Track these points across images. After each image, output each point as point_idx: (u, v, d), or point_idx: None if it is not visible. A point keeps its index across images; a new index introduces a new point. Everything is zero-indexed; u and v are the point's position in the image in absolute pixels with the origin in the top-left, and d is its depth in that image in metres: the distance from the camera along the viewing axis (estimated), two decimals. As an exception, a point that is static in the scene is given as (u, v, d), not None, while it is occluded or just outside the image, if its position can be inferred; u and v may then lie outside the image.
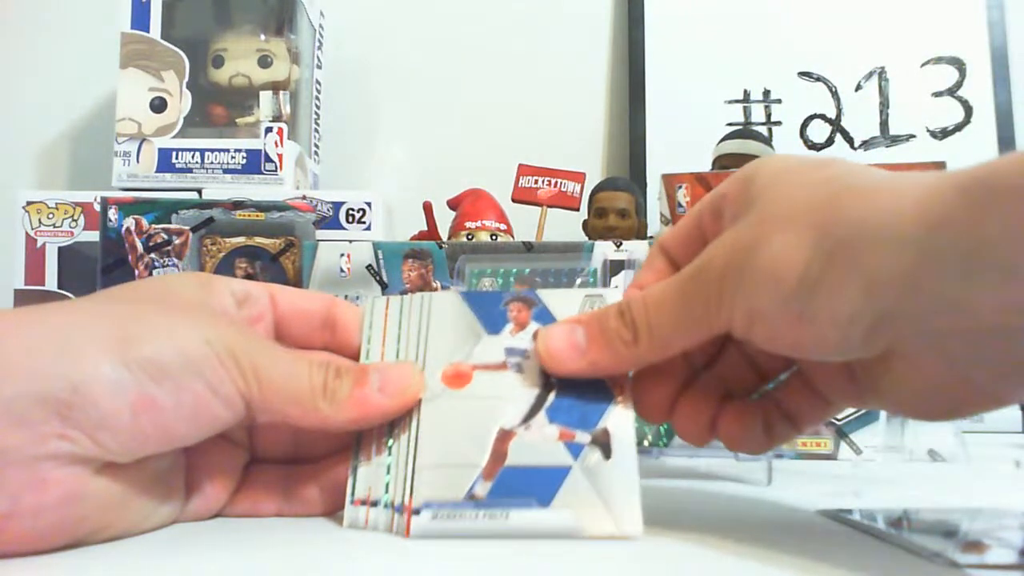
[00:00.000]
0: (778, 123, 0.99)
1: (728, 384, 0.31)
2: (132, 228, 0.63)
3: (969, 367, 0.24)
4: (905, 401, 0.27)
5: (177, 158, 0.83)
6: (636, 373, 0.30)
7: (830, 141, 0.98)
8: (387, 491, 0.28)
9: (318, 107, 0.95)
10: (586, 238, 0.79)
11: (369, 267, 0.57)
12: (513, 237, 0.77)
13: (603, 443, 0.28)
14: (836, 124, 0.98)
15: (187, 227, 0.63)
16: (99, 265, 0.63)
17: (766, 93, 1.00)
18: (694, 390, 0.31)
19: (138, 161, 0.83)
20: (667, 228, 0.57)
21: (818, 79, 0.99)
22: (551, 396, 0.29)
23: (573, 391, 0.29)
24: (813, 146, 0.98)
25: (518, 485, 0.27)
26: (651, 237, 0.82)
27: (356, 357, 0.31)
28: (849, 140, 0.98)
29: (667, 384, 0.30)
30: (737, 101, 1.00)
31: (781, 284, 0.24)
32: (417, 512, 0.27)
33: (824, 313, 0.24)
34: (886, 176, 0.25)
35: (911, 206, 0.23)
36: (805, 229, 0.24)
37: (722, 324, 0.26)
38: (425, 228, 0.79)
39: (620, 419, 0.28)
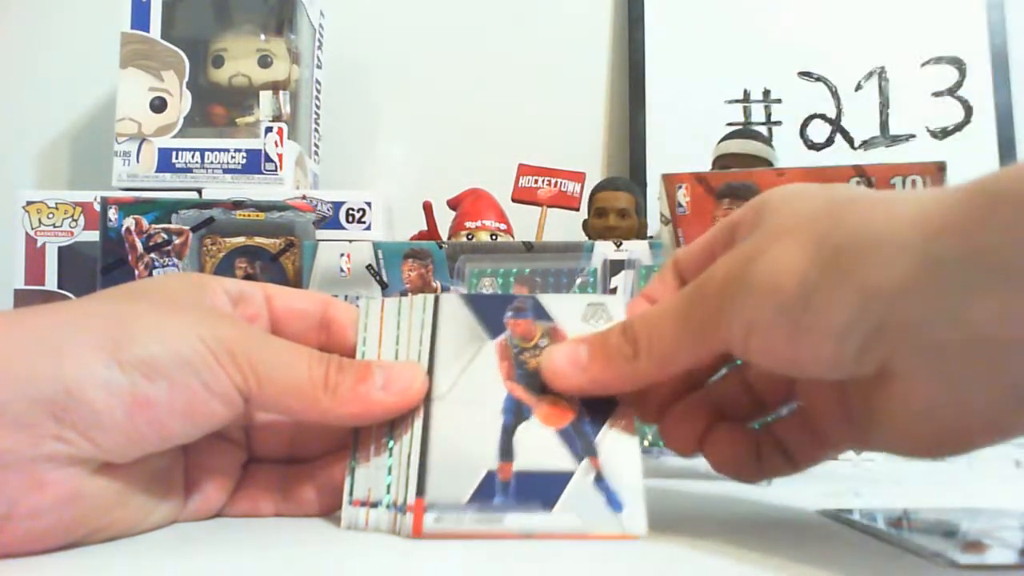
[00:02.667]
0: (778, 123, 0.99)
1: (724, 409, 0.31)
2: (132, 228, 0.63)
3: (967, 387, 0.23)
4: (904, 433, 0.26)
5: (177, 158, 0.83)
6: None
7: (830, 141, 0.98)
8: (389, 492, 0.28)
9: (318, 107, 0.95)
10: (586, 238, 0.79)
11: (369, 267, 0.57)
12: (513, 237, 0.77)
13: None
14: (836, 124, 0.98)
15: (187, 227, 0.63)
16: (99, 265, 0.63)
17: (766, 93, 1.00)
18: (686, 402, 0.31)
19: (138, 161, 0.83)
20: (667, 228, 0.57)
21: (818, 79, 0.99)
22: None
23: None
24: (813, 146, 0.98)
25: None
26: (651, 237, 0.82)
27: (352, 357, 0.31)
28: (849, 140, 0.98)
29: (664, 389, 0.31)
30: (737, 101, 1.00)
31: (778, 293, 0.24)
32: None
33: (820, 323, 0.23)
34: (890, 192, 0.25)
35: (909, 214, 0.23)
36: (804, 238, 0.24)
37: (722, 339, 0.26)
38: (425, 228, 0.79)
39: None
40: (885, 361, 0.23)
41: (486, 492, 0.27)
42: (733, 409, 0.31)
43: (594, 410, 0.29)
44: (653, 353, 0.27)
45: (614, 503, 0.27)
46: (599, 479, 0.27)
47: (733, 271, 0.26)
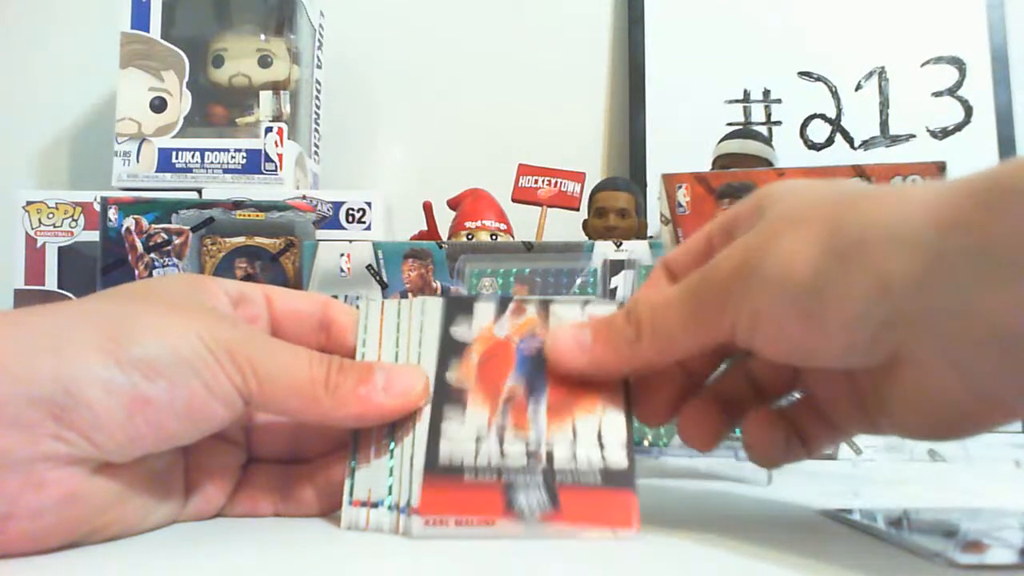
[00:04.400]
0: (778, 123, 0.99)
1: (729, 403, 0.31)
2: (132, 228, 0.63)
3: (980, 377, 0.23)
4: (914, 417, 0.26)
5: (177, 158, 0.83)
6: (637, 379, 0.30)
7: (830, 141, 0.98)
8: (391, 493, 0.28)
9: (318, 107, 0.95)
10: (586, 238, 0.79)
11: (369, 267, 0.57)
12: (513, 237, 0.77)
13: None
14: (836, 124, 0.98)
15: (187, 227, 0.63)
16: (99, 265, 0.63)
17: (766, 93, 1.00)
18: (700, 396, 0.31)
19: (138, 161, 0.83)
20: (667, 228, 0.57)
21: (818, 79, 0.99)
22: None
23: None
24: (813, 146, 0.98)
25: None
26: (651, 237, 0.82)
27: (351, 359, 0.31)
28: (849, 140, 0.98)
29: (667, 389, 0.31)
30: (737, 101, 1.00)
31: (789, 282, 0.24)
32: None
33: (832, 313, 0.23)
34: (896, 187, 0.25)
35: (922, 208, 0.23)
36: (816, 228, 0.24)
37: (726, 327, 0.26)
38: (425, 228, 0.79)
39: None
40: (897, 350, 0.23)
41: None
42: (738, 402, 0.31)
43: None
44: (656, 337, 0.28)
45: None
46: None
47: (740, 260, 0.26)
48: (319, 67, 0.96)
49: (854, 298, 0.23)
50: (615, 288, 0.49)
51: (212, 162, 0.82)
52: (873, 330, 0.23)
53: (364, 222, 0.76)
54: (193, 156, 0.83)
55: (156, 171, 0.83)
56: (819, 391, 0.30)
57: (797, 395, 0.31)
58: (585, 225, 0.82)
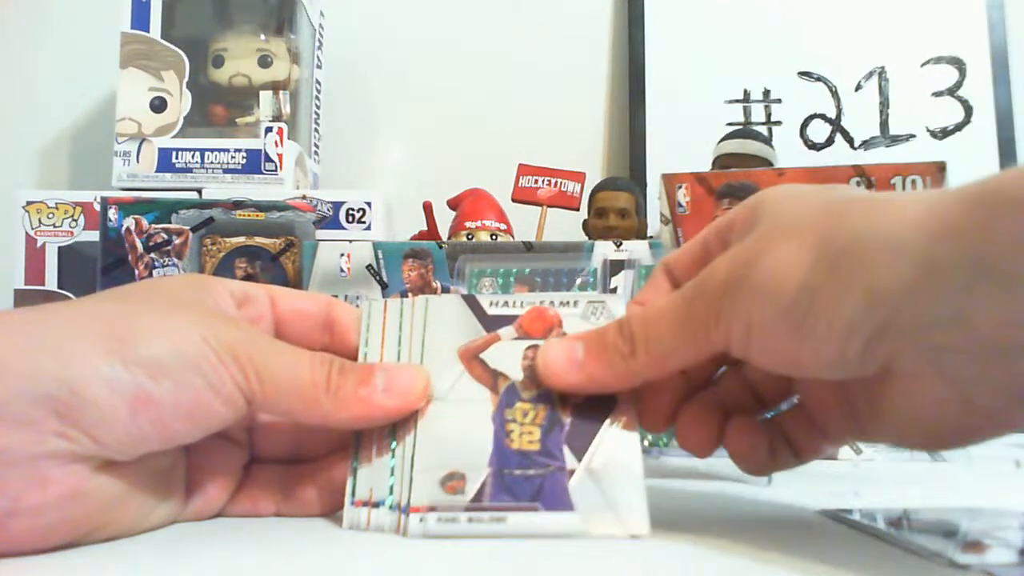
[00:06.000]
0: (778, 123, 0.99)
1: (729, 408, 0.31)
2: (132, 228, 0.63)
3: (971, 388, 0.23)
4: (906, 427, 0.26)
5: (177, 158, 0.83)
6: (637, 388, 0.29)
7: (830, 141, 0.98)
8: (391, 493, 0.28)
9: (318, 107, 0.95)
10: (586, 238, 0.79)
11: (369, 267, 0.57)
12: (513, 237, 0.78)
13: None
14: (836, 124, 0.98)
15: (187, 227, 0.63)
16: (99, 265, 0.63)
17: (766, 93, 1.00)
18: (697, 401, 0.31)
19: (138, 161, 0.83)
20: (667, 228, 0.57)
21: (818, 79, 0.99)
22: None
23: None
24: (813, 146, 0.98)
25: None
26: (651, 237, 0.82)
27: (354, 359, 0.31)
28: (849, 140, 0.98)
29: (667, 395, 0.30)
30: (737, 101, 1.00)
31: (780, 294, 0.24)
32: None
33: (822, 324, 0.23)
34: (886, 194, 0.25)
35: (914, 217, 0.23)
36: (807, 239, 0.24)
37: (720, 339, 0.26)
38: (425, 228, 0.79)
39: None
40: (888, 361, 0.23)
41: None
42: (736, 407, 0.31)
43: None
44: (650, 351, 0.27)
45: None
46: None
47: (734, 271, 0.26)
48: (319, 67, 0.96)
49: (844, 310, 0.23)
50: (615, 288, 0.49)
51: (212, 162, 0.82)
52: (864, 341, 0.23)
53: (364, 222, 0.76)
54: (193, 156, 0.83)
55: (156, 171, 0.83)
56: (811, 399, 0.30)
57: (796, 400, 0.31)
58: (585, 225, 0.82)
